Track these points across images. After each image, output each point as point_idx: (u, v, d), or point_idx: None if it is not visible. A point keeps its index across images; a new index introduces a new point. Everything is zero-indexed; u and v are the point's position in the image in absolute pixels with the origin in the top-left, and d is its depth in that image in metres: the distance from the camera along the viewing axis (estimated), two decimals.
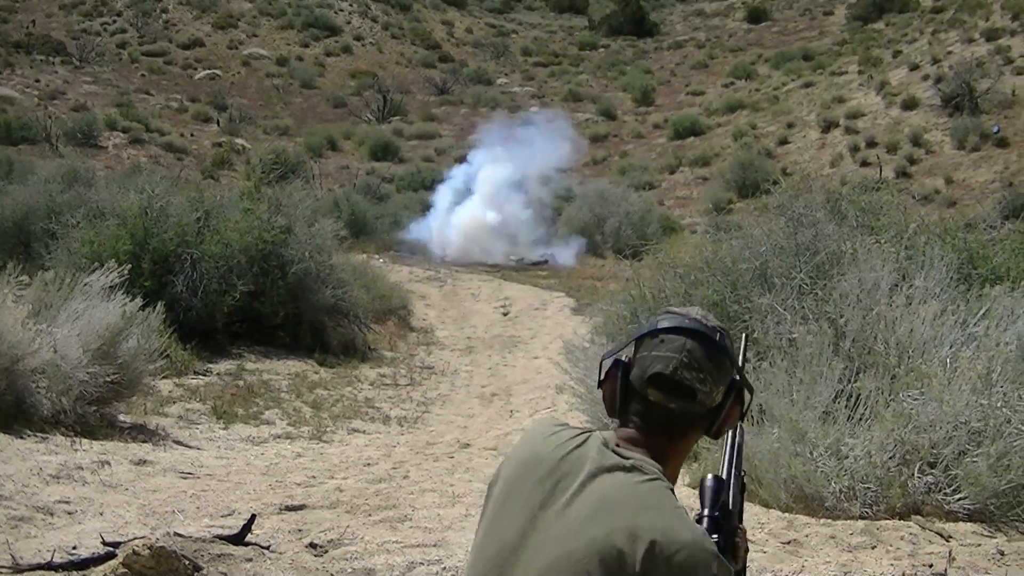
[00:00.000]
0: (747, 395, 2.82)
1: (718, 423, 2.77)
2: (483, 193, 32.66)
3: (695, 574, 2.48)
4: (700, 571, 2.50)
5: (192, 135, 51.28)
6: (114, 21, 72.52)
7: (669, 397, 2.66)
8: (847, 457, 7.32)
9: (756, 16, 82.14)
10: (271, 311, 16.28)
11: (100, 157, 42.54)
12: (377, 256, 26.20)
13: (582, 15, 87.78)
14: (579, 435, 2.71)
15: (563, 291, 23.68)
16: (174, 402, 12.40)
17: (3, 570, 5.82)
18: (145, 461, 9.03)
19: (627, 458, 2.63)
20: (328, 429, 12.47)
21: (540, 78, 67.52)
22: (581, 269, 27.87)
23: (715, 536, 2.69)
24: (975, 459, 7.07)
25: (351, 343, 17.21)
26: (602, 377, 2.79)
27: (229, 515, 7.44)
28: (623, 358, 2.77)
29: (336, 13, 77.95)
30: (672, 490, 2.64)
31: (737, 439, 2.95)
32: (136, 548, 5.70)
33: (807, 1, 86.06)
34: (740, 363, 2.89)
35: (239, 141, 50.04)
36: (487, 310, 21.90)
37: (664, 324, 2.74)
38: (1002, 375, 7.38)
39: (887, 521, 7.07)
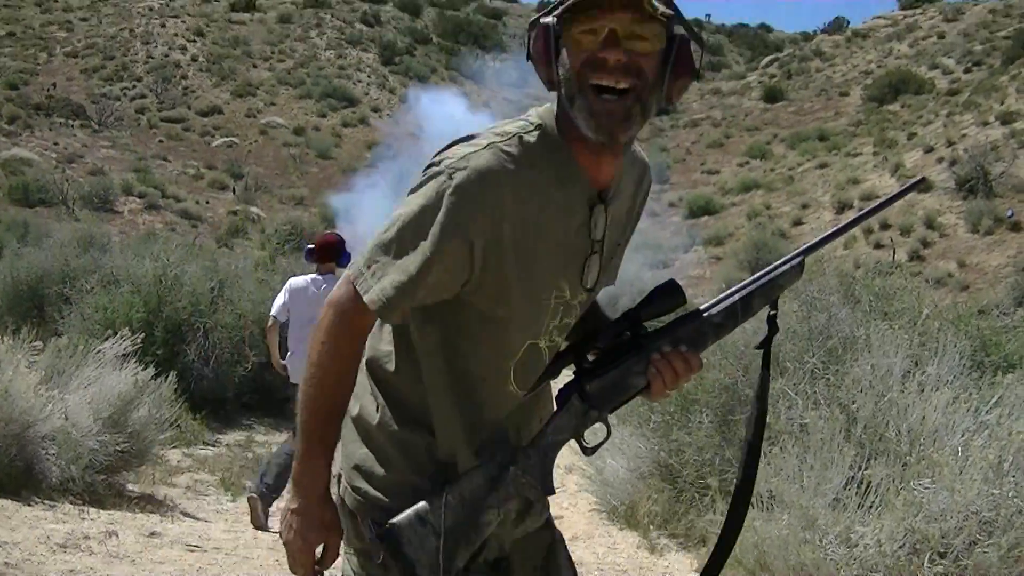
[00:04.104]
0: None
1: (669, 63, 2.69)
2: None
3: None
4: None
5: (208, 202, 51.57)
6: (134, 86, 73.18)
7: None
8: (857, 545, 7.27)
9: (772, 96, 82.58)
10: (282, 383, 16.28)
11: (116, 222, 42.82)
12: None
13: None
14: None
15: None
16: (183, 472, 12.37)
17: None
18: (153, 532, 8.99)
19: None
20: None
21: None
22: None
23: None
24: (986, 550, 7.02)
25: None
26: None
27: None
28: None
29: (354, 84, 78.59)
30: None
31: None
32: None
33: (823, 81, 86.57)
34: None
35: (254, 210, 50.31)
36: None
37: None
38: (1014, 464, 7.35)
39: None
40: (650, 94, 2.66)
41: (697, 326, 2.85)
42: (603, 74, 2.60)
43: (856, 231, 43.54)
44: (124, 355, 10.93)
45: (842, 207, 47.09)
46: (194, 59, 79.97)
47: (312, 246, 10.98)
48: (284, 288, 10.83)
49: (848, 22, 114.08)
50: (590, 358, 2.90)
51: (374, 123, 71.64)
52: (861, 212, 3.10)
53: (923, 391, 8.18)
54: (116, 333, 11.26)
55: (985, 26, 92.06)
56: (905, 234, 42.63)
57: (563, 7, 2.65)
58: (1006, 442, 7.45)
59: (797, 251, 2.93)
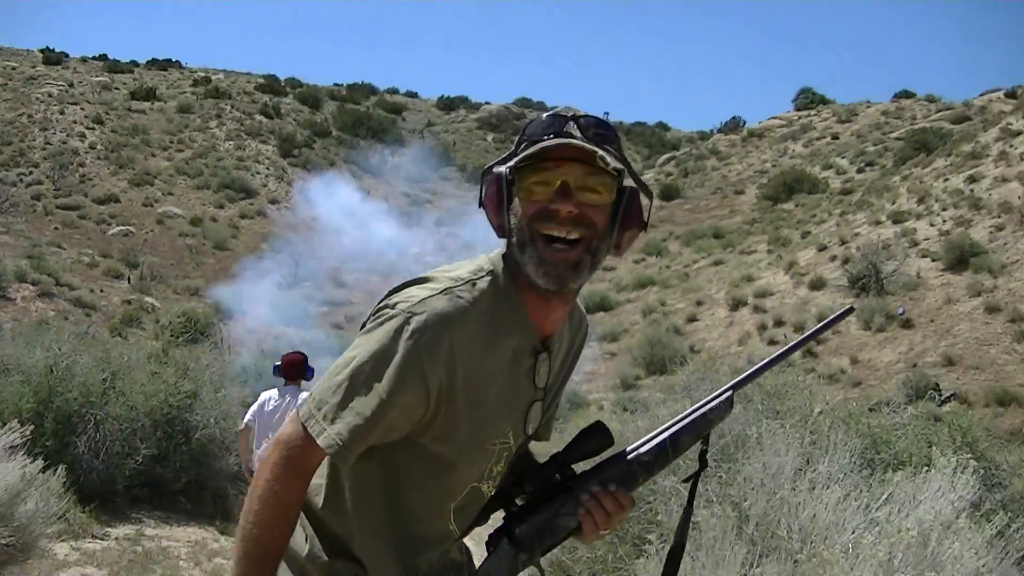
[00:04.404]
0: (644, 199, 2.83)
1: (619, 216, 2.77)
2: None
3: None
4: None
5: (102, 291, 50.96)
6: (31, 172, 72.48)
7: None
8: None
9: (669, 193, 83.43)
10: (173, 476, 16.08)
11: (7, 309, 42.19)
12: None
13: None
14: None
15: None
16: (70, 566, 12.16)
17: None
18: None
19: None
20: None
21: (453, 249, 67.84)
22: None
23: None
24: None
25: None
26: None
27: None
28: None
29: (253, 175, 78.37)
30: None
31: None
32: None
33: (719, 180, 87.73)
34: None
35: (149, 299, 49.84)
36: None
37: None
38: (904, 561, 7.42)
39: None
40: (600, 244, 2.73)
41: (626, 466, 2.86)
42: (554, 225, 2.68)
43: (751, 328, 44.03)
44: (12, 447, 10.76)
45: (736, 304, 47.58)
46: (92, 146, 79.32)
47: (279, 363, 12.14)
48: (258, 399, 12.05)
49: (744, 122, 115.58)
50: (519, 502, 2.92)
51: (272, 215, 71.46)
52: (788, 345, 3.13)
53: (814, 489, 8.25)
54: (4, 424, 11.10)
55: (878, 127, 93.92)
56: (798, 331, 43.00)
57: (518, 158, 2.72)
58: (896, 539, 7.52)
59: (725, 387, 2.95)
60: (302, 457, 2.77)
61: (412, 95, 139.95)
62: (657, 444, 2.87)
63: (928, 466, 9.29)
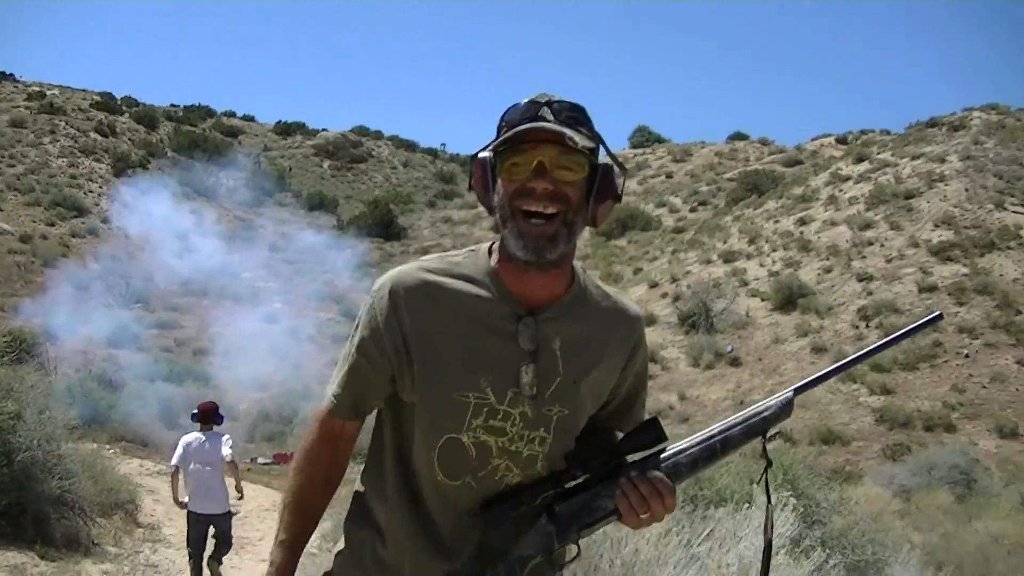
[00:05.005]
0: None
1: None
2: None
3: None
4: None
5: None
6: None
7: None
8: None
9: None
10: None
11: None
12: (108, 446, 25.59)
13: (332, 214, 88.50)
14: None
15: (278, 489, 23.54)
16: None
17: None
18: None
19: None
20: None
21: (286, 275, 67.31)
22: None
23: None
24: None
25: (75, 536, 16.60)
26: None
27: None
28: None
29: (85, 194, 77.08)
30: None
31: None
32: None
33: None
34: None
35: None
36: None
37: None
38: None
39: None
40: (575, 217, 2.95)
41: (672, 458, 3.02)
42: (532, 201, 2.90)
43: None
44: None
45: None
46: None
47: (196, 411, 14.27)
48: (179, 443, 14.05)
49: None
50: (571, 485, 3.05)
51: (104, 234, 70.31)
52: (864, 350, 3.33)
53: None
54: None
55: (712, 168, 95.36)
56: None
57: (497, 142, 2.95)
58: (716, 574, 7.64)
59: (787, 389, 3.14)
60: (324, 423, 3.18)
61: (249, 119, 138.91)
62: (706, 440, 3.06)
63: (749, 503, 9.45)
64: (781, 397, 3.09)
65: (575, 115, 2.95)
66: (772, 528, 3.15)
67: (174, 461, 13.98)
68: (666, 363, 44.05)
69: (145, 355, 45.96)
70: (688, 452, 3.01)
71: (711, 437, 3.04)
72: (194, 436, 13.90)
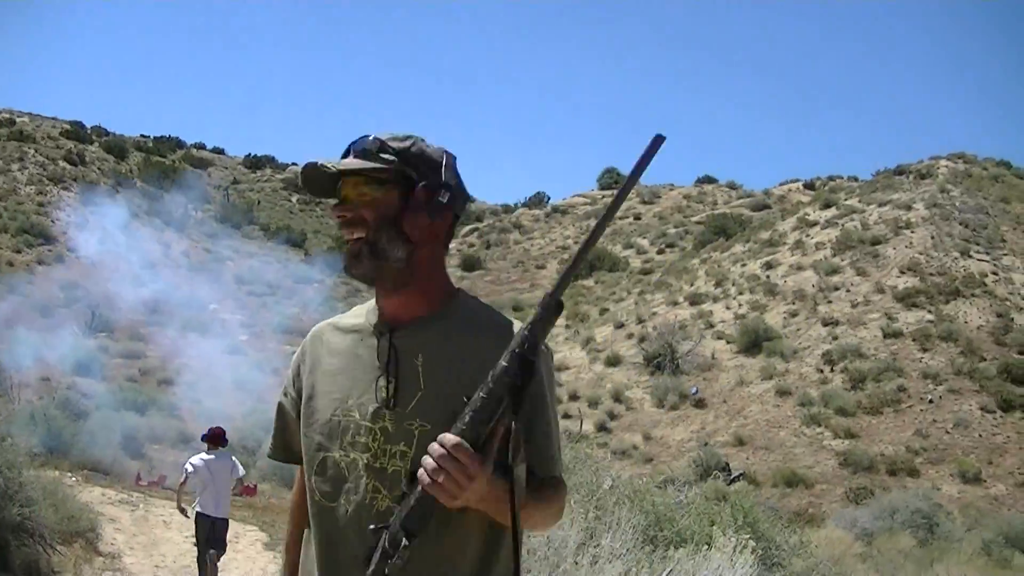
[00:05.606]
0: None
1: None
2: None
3: None
4: None
5: None
6: None
7: None
8: None
9: (470, 264, 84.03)
10: None
11: None
12: (70, 474, 25.45)
13: (299, 248, 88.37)
14: None
15: (256, 524, 23.40)
16: None
17: None
18: None
19: None
20: None
21: (253, 307, 67.05)
22: (278, 502, 27.47)
23: None
24: None
25: (35, 564, 16.51)
26: None
27: None
28: None
29: (53, 222, 76.80)
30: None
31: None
32: None
33: (521, 253, 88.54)
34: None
35: None
36: (178, 539, 21.40)
37: None
38: None
39: None
40: (377, 234, 3.06)
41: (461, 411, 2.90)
42: (342, 229, 3.10)
43: None
44: None
45: None
46: None
47: (206, 434, 16.68)
48: (189, 461, 16.32)
49: (548, 197, 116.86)
50: None
51: (70, 262, 70.01)
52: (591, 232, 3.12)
53: (596, 563, 8.37)
54: None
55: (679, 210, 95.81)
56: (593, 406, 43.53)
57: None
58: None
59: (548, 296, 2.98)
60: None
61: (219, 151, 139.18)
62: (488, 384, 2.87)
63: (709, 544, 9.50)
64: (544, 302, 2.94)
65: (364, 148, 3.10)
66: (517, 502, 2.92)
67: (185, 476, 16.34)
68: (631, 403, 44.13)
69: (109, 384, 45.75)
70: (473, 403, 2.85)
71: (490, 380, 2.85)
72: (205, 456, 16.20)
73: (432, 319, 3.14)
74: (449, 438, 2.80)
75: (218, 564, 16.19)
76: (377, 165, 3.06)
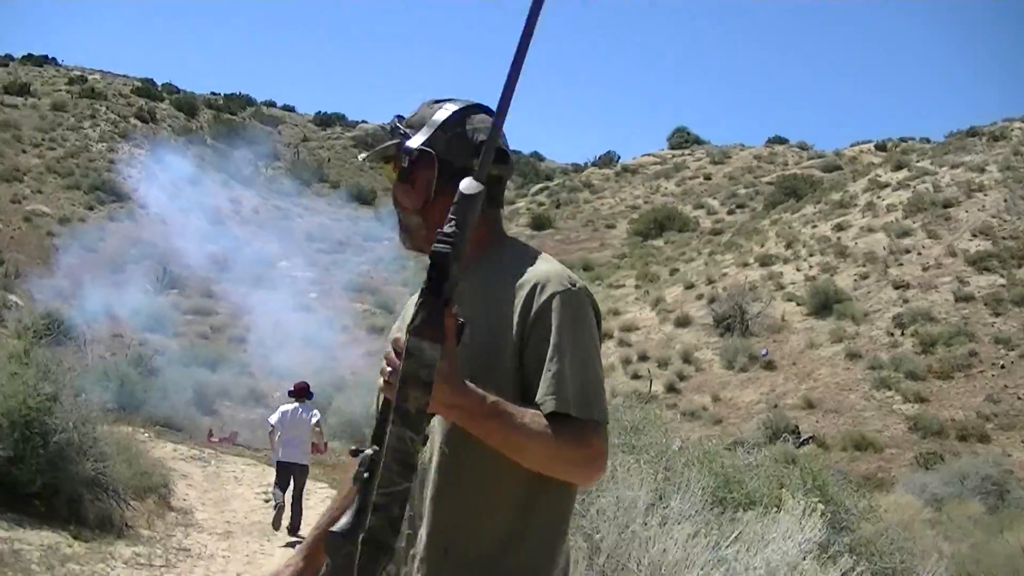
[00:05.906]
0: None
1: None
2: None
3: None
4: None
5: None
6: None
7: None
8: None
9: (540, 223, 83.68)
10: (28, 479, 15.79)
11: None
12: (143, 430, 25.69)
13: (369, 206, 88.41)
14: None
15: (327, 481, 23.53)
16: None
17: None
18: None
19: None
20: None
21: (323, 264, 67.18)
22: (351, 460, 27.55)
23: None
24: None
25: (108, 518, 16.65)
26: None
27: None
28: None
29: (124, 180, 77.21)
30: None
31: None
32: None
33: (591, 213, 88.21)
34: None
35: (13, 298, 48.95)
36: (249, 495, 21.56)
37: None
38: None
39: None
40: (408, 217, 3.22)
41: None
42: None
43: (615, 361, 44.15)
44: None
45: (602, 338, 47.88)
46: None
47: (292, 388, 18.75)
48: (278, 410, 18.48)
49: (619, 157, 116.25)
50: None
51: (141, 219, 70.36)
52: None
53: (665, 524, 8.38)
54: None
55: (750, 171, 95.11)
56: (663, 366, 43.45)
57: None
58: None
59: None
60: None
61: (289, 109, 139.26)
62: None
63: (778, 507, 9.49)
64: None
65: (396, 126, 3.19)
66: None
67: (272, 422, 18.38)
68: (700, 365, 44.00)
69: (180, 340, 46.12)
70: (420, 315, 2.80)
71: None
72: (291, 406, 18.17)
73: (468, 271, 3.03)
74: (398, 340, 2.86)
75: (291, 513, 17.50)
76: (382, 147, 3.20)
